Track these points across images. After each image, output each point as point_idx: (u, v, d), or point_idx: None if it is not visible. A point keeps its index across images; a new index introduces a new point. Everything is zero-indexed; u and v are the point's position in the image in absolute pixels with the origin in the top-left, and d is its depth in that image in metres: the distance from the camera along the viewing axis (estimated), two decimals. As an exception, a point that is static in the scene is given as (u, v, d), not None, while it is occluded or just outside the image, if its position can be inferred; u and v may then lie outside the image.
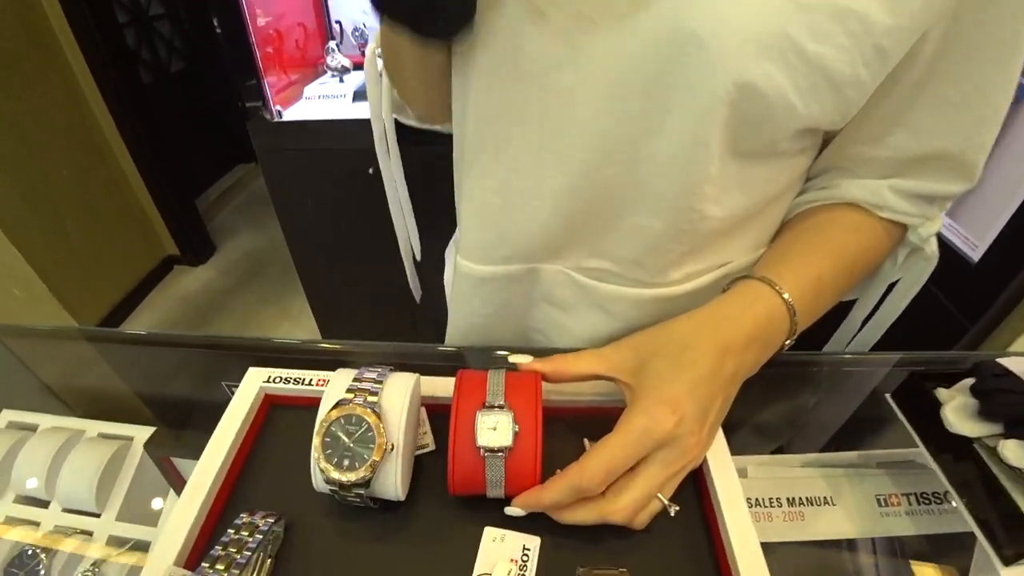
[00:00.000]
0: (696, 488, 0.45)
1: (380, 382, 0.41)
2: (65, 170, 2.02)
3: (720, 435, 0.44)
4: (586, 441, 0.47)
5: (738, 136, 0.41)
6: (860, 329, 0.61)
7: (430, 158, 0.76)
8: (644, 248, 0.49)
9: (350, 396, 0.39)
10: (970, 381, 0.45)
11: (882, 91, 0.42)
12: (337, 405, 0.39)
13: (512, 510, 0.40)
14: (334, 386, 0.41)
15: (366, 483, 0.38)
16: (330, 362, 0.57)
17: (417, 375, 0.44)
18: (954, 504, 0.41)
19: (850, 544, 0.44)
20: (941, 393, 0.46)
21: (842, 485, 0.46)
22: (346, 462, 0.37)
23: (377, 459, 0.37)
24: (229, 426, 0.46)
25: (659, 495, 0.39)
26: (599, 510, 0.39)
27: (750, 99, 0.37)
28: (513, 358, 0.44)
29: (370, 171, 1.46)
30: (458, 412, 0.39)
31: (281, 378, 0.50)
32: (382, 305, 1.84)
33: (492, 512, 0.42)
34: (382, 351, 0.62)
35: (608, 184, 0.46)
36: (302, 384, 0.49)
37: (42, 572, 0.47)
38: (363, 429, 0.38)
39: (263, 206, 1.65)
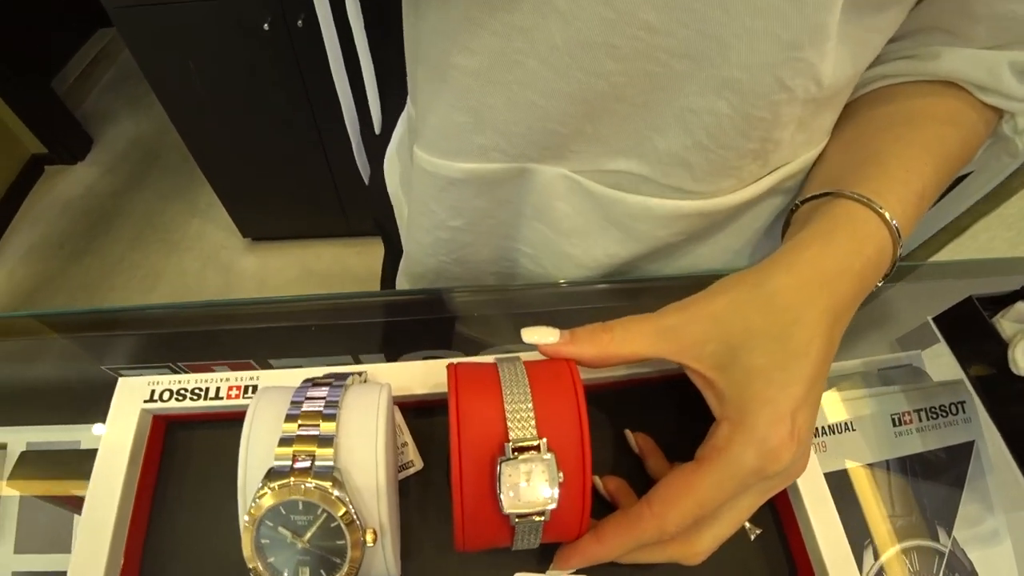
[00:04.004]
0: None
1: (331, 418, 0.25)
2: None
3: None
4: (628, 434, 0.34)
5: None
6: None
7: None
8: (697, 142, 0.33)
9: (286, 456, 0.24)
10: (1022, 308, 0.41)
11: None
12: (269, 479, 0.23)
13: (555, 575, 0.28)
14: (255, 440, 0.25)
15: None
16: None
17: (386, 387, 0.28)
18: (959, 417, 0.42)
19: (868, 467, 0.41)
20: (1004, 326, 0.41)
21: (860, 407, 0.42)
22: (306, 572, 0.23)
23: (355, 559, 0.23)
24: (106, 478, 0.30)
25: None
26: (671, 553, 0.28)
27: None
28: (527, 335, 0.29)
29: (264, 27, 1.17)
30: (464, 456, 0.25)
31: (172, 392, 0.33)
32: (304, 187, 1.62)
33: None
34: (308, 307, 0.45)
35: (653, 40, 0.28)
36: (203, 398, 0.32)
37: None
38: (321, 520, 0.23)
39: (141, 80, 1.32)
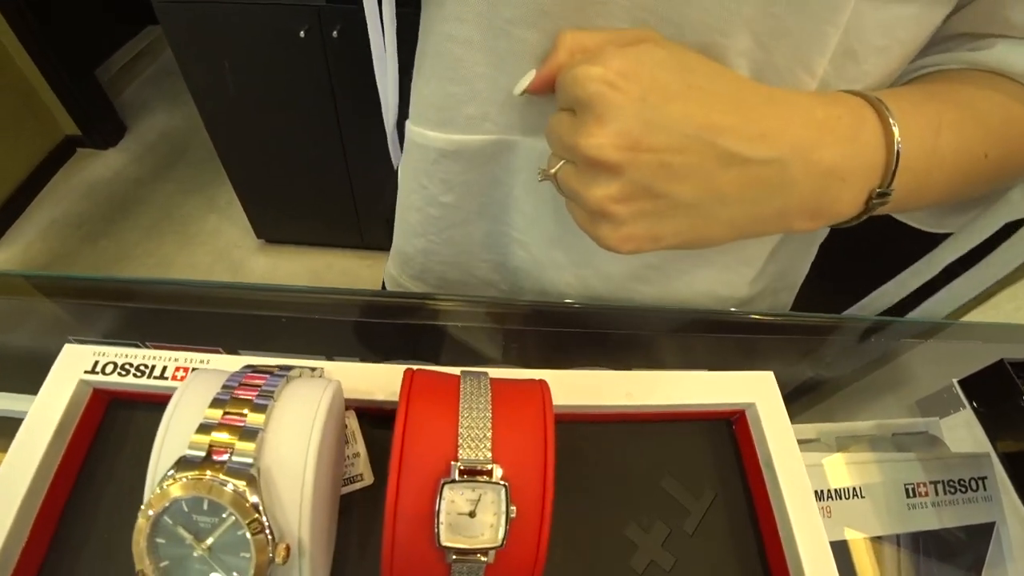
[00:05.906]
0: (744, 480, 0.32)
1: (261, 409, 0.22)
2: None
3: (778, 400, 0.33)
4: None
5: None
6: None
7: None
8: None
9: (201, 445, 0.21)
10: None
11: None
12: (179, 468, 0.20)
13: None
14: (176, 423, 0.22)
15: (236, 615, 0.20)
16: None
17: (334, 384, 0.25)
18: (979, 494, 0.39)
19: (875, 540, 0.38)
20: (1034, 395, 0.37)
21: (870, 473, 0.39)
22: (194, 582, 0.20)
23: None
24: (28, 449, 0.27)
25: None
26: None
27: None
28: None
29: (301, 33, 1.18)
30: (404, 471, 0.22)
31: (116, 365, 0.30)
32: (323, 195, 1.62)
33: None
34: (291, 300, 0.43)
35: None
36: (147, 376, 0.30)
37: None
38: (227, 524, 0.20)
39: (179, 77, 1.35)
